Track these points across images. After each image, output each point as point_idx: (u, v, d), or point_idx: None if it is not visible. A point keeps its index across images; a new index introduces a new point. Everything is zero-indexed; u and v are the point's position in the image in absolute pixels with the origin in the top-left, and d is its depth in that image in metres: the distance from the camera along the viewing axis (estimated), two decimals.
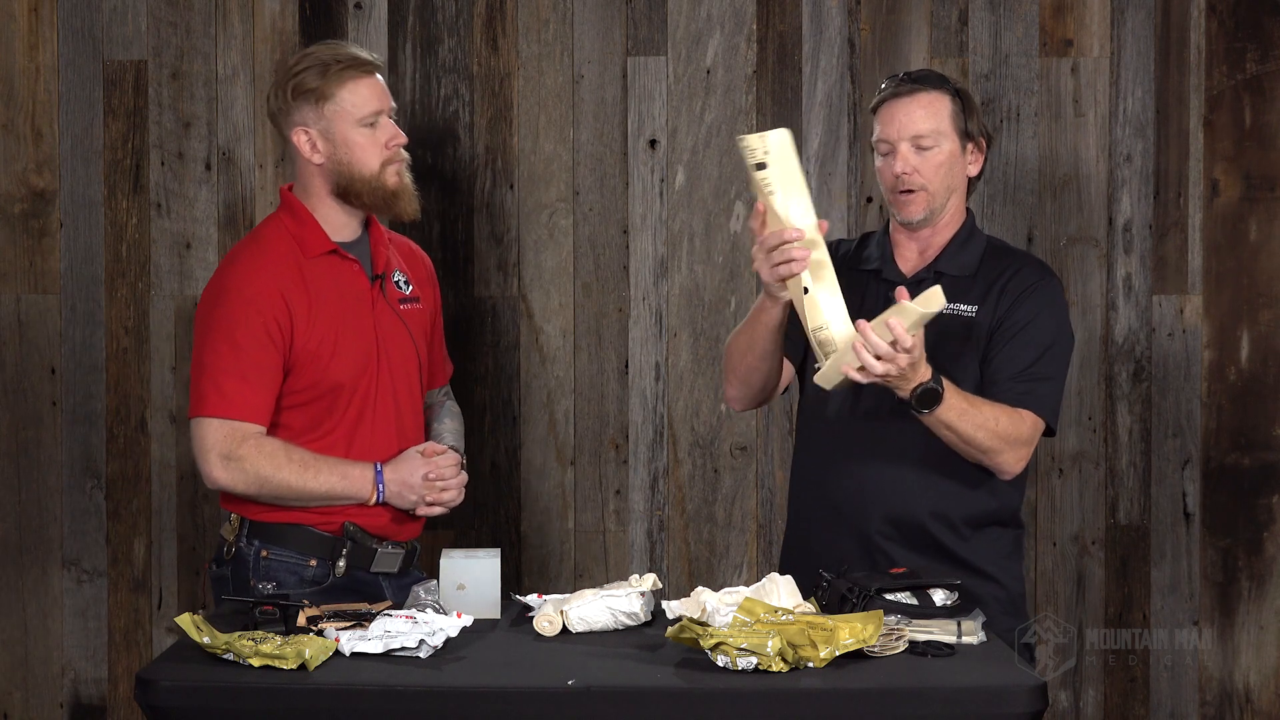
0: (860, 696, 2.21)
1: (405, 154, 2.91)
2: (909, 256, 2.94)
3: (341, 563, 2.86)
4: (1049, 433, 2.84)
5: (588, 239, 3.73)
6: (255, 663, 2.28)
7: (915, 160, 2.84)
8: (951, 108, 2.86)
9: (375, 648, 2.35)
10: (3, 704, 3.79)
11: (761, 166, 2.59)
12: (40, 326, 3.76)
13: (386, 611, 2.48)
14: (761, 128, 3.70)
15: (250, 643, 2.31)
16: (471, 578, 2.66)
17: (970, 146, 2.90)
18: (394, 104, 2.92)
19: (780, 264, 2.59)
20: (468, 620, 2.43)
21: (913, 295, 2.86)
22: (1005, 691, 2.22)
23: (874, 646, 2.34)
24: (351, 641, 2.36)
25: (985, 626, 2.54)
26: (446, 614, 2.49)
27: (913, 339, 2.56)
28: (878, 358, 2.56)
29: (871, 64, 3.69)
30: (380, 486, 2.85)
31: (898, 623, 2.45)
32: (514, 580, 3.70)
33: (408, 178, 2.91)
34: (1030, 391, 2.79)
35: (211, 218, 3.75)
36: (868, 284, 2.92)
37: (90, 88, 3.74)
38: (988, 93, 3.68)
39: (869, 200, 3.69)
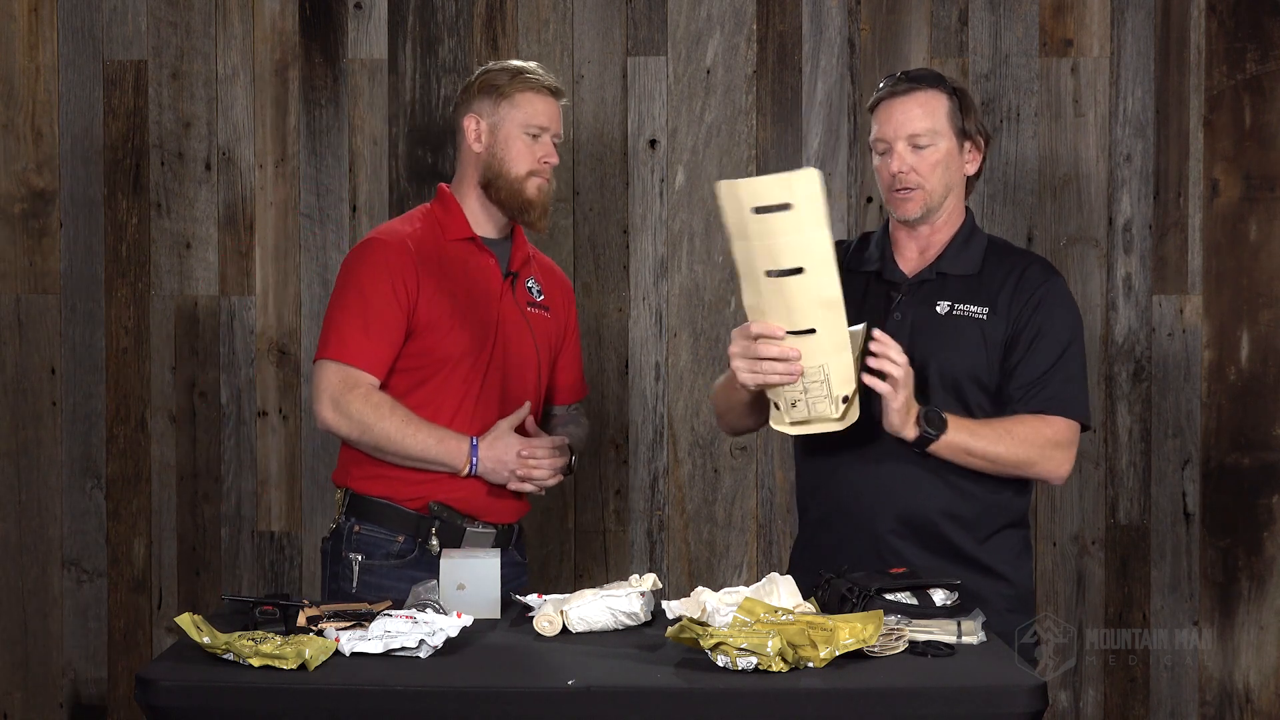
0: (860, 696, 2.21)
1: (553, 178, 3.07)
2: (910, 256, 2.93)
3: (434, 541, 2.96)
4: (1085, 428, 2.84)
5: (588, 239, 3.73)
6: (255, 663, 2.28)
7: (912, 159, 2.84)
8: (948, 106, 2.86)
9: (375, 648, 2.35)
10: (3, 704, 3.79)
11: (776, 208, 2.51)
12: (40, 326, 3.76)
13: (386, 611, 2.48)
14: (761, 128, 3.70)
15: (250, 643, 2.31)
16: (471, 578, 2.66)
17: (968, 145, 2.90)
18: (562, 134, 3.07)
19: (759, 367, 2.63)
20: (468, 620, 2.43)
21: (914, 295, 2.87)
22: (1005, 691, 2.22)
23: (874, 646, 2.34)
24: (351, 641, 2.36)
25: (992, 626, 2.54)
26: (446, 614, 2.49)
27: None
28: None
29: (871, 64, 3.69)
30: (474, 459, 2.94)
31: (898, 623, 2.45)
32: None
33: (548, 195, 3.05)
34: (1056, 395, 2.79)
35: (211, 217, 3.75)
36: (868, 285, 2.91)
37: (90, 88, 3.74)
38: (988, 93, 3.68)
39: (869, 200, 3.69)
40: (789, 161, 3.69)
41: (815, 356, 2.58)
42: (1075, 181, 3.69)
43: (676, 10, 3.71)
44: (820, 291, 2.53)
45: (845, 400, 2.62)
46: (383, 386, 2.97)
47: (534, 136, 3.02)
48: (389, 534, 2.97)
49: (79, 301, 3.76)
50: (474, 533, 2.99)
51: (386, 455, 2.95)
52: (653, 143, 3.72)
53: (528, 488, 3.00)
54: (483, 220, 3.07)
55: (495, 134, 3.03)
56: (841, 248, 3.00)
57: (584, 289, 3.73)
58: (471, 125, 3.04)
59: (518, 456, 2.96)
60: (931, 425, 2.69)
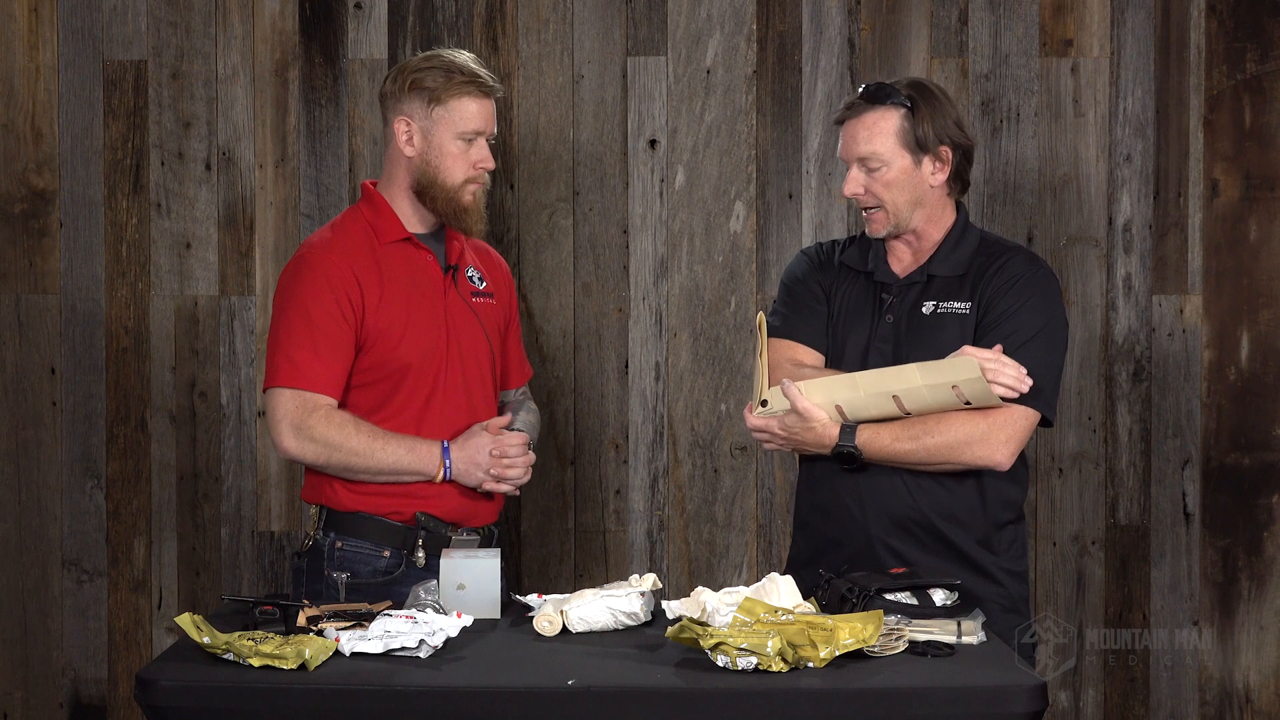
0: (860, 696, 2.21)
1: (488, 179, 3.00)
2: (902, 258, 2.94)
3: (420, 553, 2.92)
4: (1046, 423, 2.82)
5: (588, 239, 3.73)
6: (255, 663, 2.28)
7: (864, 180, 2.86)
8: (899, 124, 2.83)
9: (375, 648, 2.35)
10: (3, 704, 3.79)
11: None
12: (40, 326, 3.76)
13: (386, 611, 2.48)
14: (761, 128, 3.70)
15: (250, 643, 2.31)
16: (471, 578, 2.66)
17: (928, 158, 2.86)
18: (495, 131, 3.00)
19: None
20: (468, 620, 2.43)
21: (904, 296, 2.87)
22: (1005, 691, 2.22)
23: (874, 646, 2.34)
24: (351, 641, 2.36)
25: (989, 625, 2.54)
26: (446, 614, 2.49)
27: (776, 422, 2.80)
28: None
29: (871, 64, 3.69)
30: (447, 463, 2.90)
31: (898, 623, 2.45)
32: (514, 580, 3.70)
33: (482, 200, 2.99)
34: None
35: (211, 218, 3.75)
36: (857, 283, 2.92)
37: (90, 88, 3.74)
38: (987, 93, 3.68)
39: None
40: (789, 161, 3.69)
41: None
42: (1075, 181, 3.69)
43: (676, 10, 3.71)
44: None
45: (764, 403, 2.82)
46: (342, 406, 2.90)
47: (468, 141, 2.94)
48: (374, 548, 2.92)
49: (79, 301, 3.76)
50: (459, 540, 2.93)
51: (357, 474, 2.89)
52: (653, 143, 3.72)
53: (504, 488, 2.95)
54: (415, 218, 3.00)
55: (428, 140, 2.94)
56: (835, 246, 3.01)
57: (584, 289, 3.73)
58: (402, 128, 2.95)
59: (490, 457, 2.91)
60: (844, 461, 2.80)
